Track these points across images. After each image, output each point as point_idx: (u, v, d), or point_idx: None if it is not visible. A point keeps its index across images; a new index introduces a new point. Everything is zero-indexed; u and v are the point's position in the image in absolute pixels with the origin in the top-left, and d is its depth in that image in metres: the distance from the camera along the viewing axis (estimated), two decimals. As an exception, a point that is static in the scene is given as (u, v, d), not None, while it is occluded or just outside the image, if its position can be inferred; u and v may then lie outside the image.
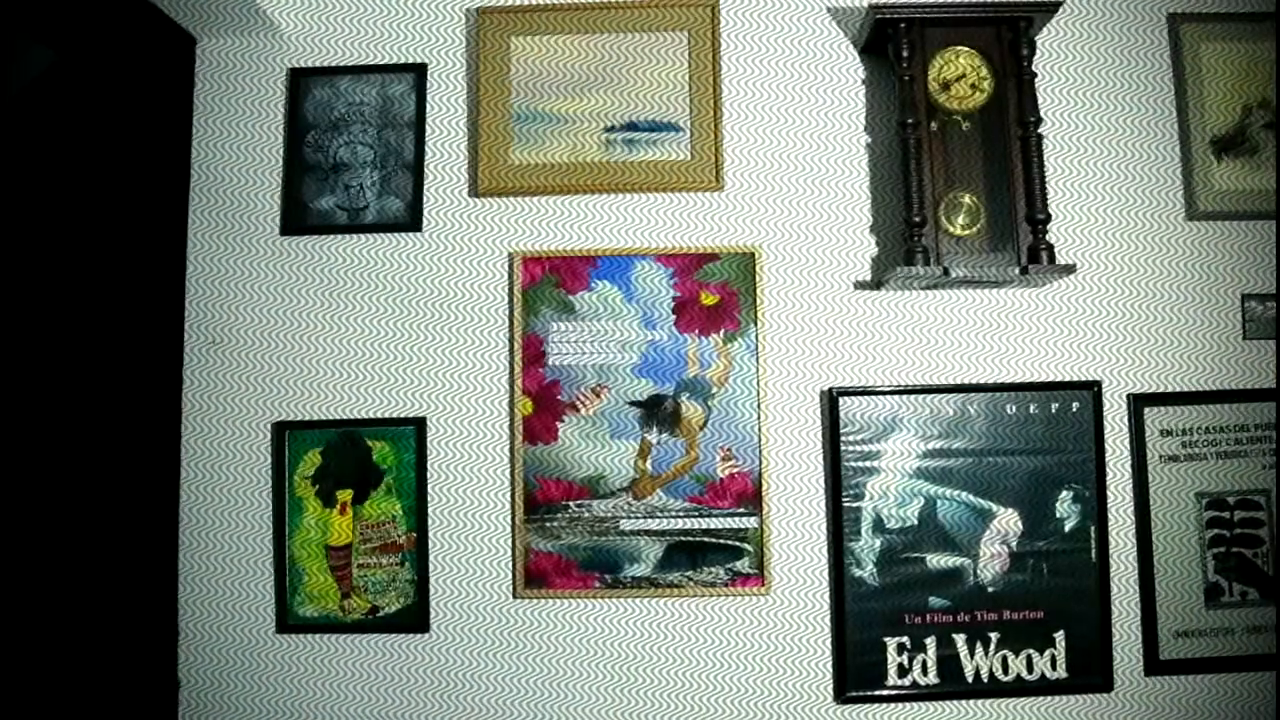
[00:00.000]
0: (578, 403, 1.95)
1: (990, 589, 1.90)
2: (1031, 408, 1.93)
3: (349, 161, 2.00)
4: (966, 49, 1.92)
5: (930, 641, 1.90)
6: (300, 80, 2.02)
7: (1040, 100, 1.89)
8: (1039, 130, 1.87)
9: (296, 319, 1.99)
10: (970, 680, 1.89)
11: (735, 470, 1.93)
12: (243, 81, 2.03)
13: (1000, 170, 1.89)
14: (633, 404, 1.95)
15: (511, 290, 1.97)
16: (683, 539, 1.92)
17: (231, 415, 1.97)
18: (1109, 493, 1.92)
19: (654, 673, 1.92)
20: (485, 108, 1.98)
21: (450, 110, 2.03)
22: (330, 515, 1.94)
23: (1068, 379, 1.95)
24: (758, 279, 1.95)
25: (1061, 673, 1.89)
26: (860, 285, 1.98)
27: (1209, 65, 2.00)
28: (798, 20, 2.04)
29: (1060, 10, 1.93)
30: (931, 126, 1.89)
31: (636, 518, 1.93)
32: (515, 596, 1.93)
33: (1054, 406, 1.93)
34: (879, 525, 1.92)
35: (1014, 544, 1.91)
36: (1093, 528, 1.91)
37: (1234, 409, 1.93)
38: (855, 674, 1.89)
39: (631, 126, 1.99)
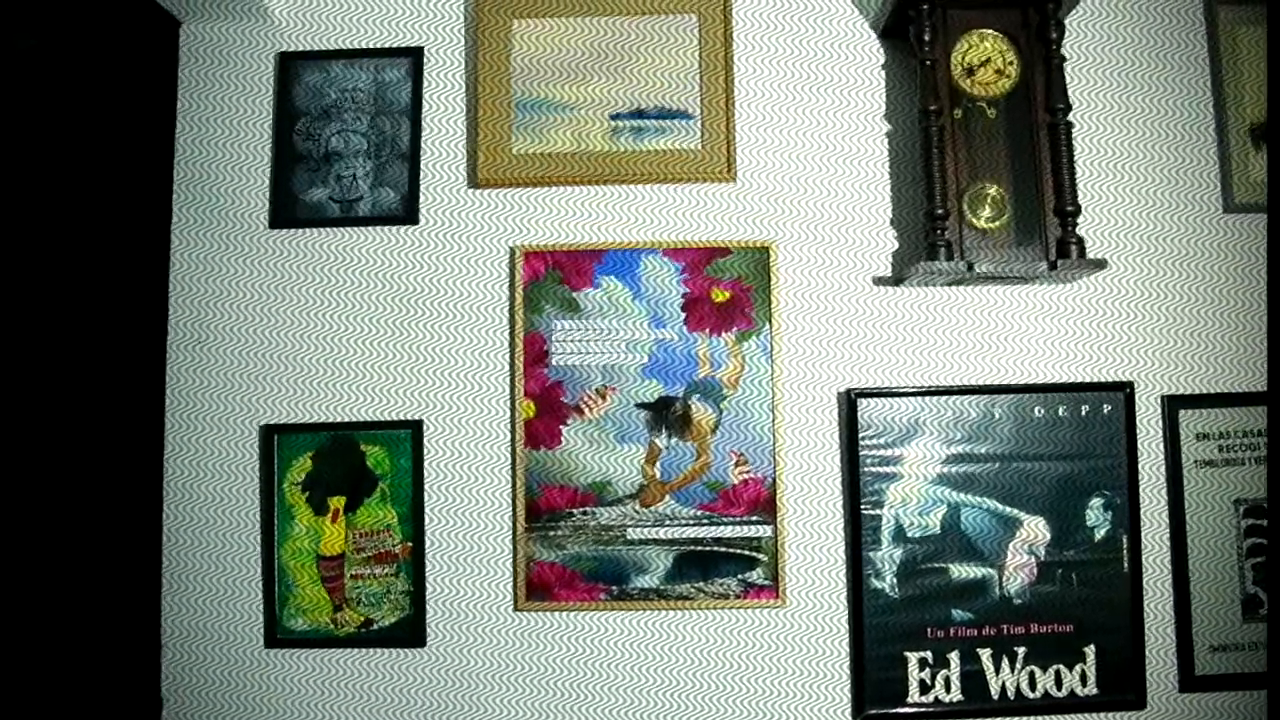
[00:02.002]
0: (582, 405, 1.86)
1: (1017, 601, 1.81)
2: (1060, 410, 1.84)
3: (341, 151, 1.91)
4: (992, 32, 1.83)
5: (954, 656, 1.81)
6: (290, 65, 1.92)
7: (1069, 86, 1.79)
8: (1068, 118, 1.78)
9: (286, 316, 1.90)
10: (996, 697, 1.80)
11: (748, 476, 1.84)
12: (229, 66, 1.94)
13: (1027, 160, 1.79)
14: (640, 406, 1.85)
15: (513, 287, 1.87)
16: (693, 548, 1.83)
17: (217, 417, 1.88)
18: (1142, 499, 1.82)
19: (663, 689, 1.82)
20: (485, 94, 1.89)
21: (448, 97, 1.93)
22: (322, 523, 1.85)
23: (1098, 380, 1.86)
24: (772, 275, 1.86)
25: (1092, 689, 1.80)
26: (880, 281, 1.89)
27: (1247, 50, 1.90)
28: (814, 1, 1.94)
29: (1090, -9, 1.84)
30: (955, 114, 1.80)
31: (644, 526, 1.83)
32: (517, 609, 1.83)
33: (1084, 409, 1.84)
34: (899, 534, 1.82)
35: (1041, 554, 1.82)
36: (1124, 536, 1.82)
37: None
38: (874, 690, 1.80)
39: (639, 114, 1.90)
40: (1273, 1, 1.84)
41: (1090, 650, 1.81)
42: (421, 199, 1.91)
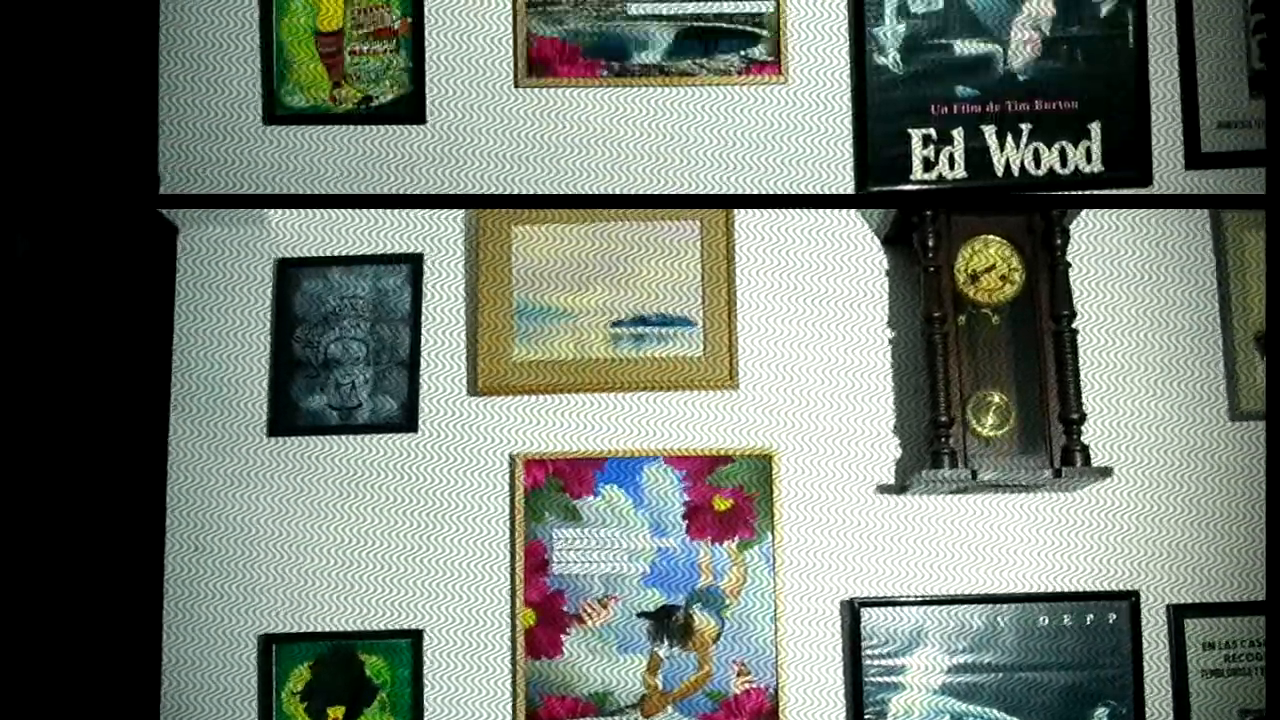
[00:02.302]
0: (583, 614, 1.84)
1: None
2: (1065, 619, 1.82)
3: (340, 358, 1.90)
4: (996, 238, 1.82)
5: None
6: (288, 271, 1.92)
7: (1074, 292, 1.78)
8: (1073, 325, 1.77)
9: (284, 525, 1.88)
10: None
11: (750, 686, 1.82)
12: (227, 273, 1.94)
13: (1031, 367, 1.79)
14: (642, 616, 1.84)
15: (513, 495, 1.86)
16: (694, 759, 1.82)
17: (215, 627, 1.86)
18: (1147, 709, 1.80)
19: None
20: (485, 301, 1.88)
21: (448, 303, 1.93)
22: (321, 734, 1.84)
23: (1104, 589, 1.84)
24: (774, 483, 1.85)
25: None
26: (883, 489, 1.88)
27: (1254, 255, 1.89)
28: (816, 210, 1.93)
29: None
30: (959, 321, 1.79)
31: (646, 735, 1.82)
32: (518, 822, 1.82)
33: (1089, 618, 1.83)
34: (903, 744, 1.81)
35: (1046, 763, 1.81)
36: (1129, 747, 1.80)
37: (1280, 621, 1.83)
38: None
39: (640, 321, 1.89)
40: (1272, 207, 1.82)
41: None
42: (421, 407, 1.90)
